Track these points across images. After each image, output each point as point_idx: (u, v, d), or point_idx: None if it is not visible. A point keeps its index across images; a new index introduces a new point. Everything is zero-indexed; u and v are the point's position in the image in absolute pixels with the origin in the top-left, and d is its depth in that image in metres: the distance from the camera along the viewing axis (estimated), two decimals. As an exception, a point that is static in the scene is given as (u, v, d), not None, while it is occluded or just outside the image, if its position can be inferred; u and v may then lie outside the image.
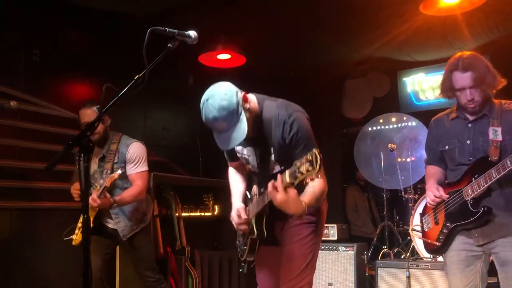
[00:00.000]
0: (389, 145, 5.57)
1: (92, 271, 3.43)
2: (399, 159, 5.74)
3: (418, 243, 4.39)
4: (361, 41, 5.36)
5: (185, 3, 4.35)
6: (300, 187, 2.14)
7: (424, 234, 2.78)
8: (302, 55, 5.74)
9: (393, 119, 6.52)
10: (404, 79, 6.50)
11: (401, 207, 6.09)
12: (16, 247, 4.13)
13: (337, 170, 6.82)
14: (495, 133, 2.48)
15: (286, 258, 2.39)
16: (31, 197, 4.29)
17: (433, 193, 2.62)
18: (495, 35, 5.13)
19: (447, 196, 2.60)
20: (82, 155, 1.82)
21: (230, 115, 2.15)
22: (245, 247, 2.46)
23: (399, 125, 6.45)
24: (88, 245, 1.84)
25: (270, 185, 2.03)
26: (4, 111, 4.04)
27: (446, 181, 2.70)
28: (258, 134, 2.34)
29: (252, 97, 2.35)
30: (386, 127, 6.57)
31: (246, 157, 2.48)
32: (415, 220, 4.38)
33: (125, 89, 1.97)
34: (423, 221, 2.81)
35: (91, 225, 3.41)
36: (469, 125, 2.57)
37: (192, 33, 2.18)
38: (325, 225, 4.72)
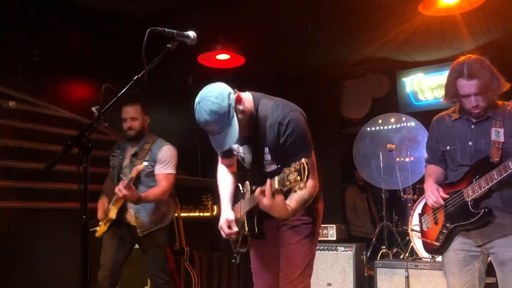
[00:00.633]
0: (388, 145, 5.57)
1: (104, 268, 3.50)
2: (398, 159, 5.74)
3: (417, 243, 4.40)
4: (361, 41, 5.36)
5: (184, 3, 4.35)
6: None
7: (423, 234, 2.78)
8: (301, 55, 5.74)
9: (392, 119, 6.52)
10: (403, 79, 6.50)
11: (400, 207, 6.09)
12: (16, 247, 4.13)
13: (336, 170, 6.82)
14: (497, 134, 2.48)
15: (285, 260, 2.39)
16: (30, 197, 4.29)
17: (434, 194, 2.62)
18: (494, 35, 5.13)
19: (447, 196, 2.60)
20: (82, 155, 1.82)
21: (222, 119, 2.15)
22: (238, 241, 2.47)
23: (398, 125, 6.45)
24: (87, 245, 1.84)
25: (258, 190, 2.06)
26: (3, 111, 4.04)
27: (446, 181, 2.70)
28: (254, 134, 2.34)
29: (247, 96, 2.34)
30: (385, 127, 6.57)
31: (242, 155, 2.48)
32: (414, 220, 4.39)
33: (125, 90, 1.97)
34: (422, 220, 2.81)
35: (114, 216, 3.53)
36: (472, 126, 2.57)
37: (191, 34, 2.19)
38: (324, 225, 4.76)
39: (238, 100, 2.23)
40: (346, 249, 4.52)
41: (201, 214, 5.55)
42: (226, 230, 2.46)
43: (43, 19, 4.41)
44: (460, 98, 2.52)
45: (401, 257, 4.91)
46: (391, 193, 5.96)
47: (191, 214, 5.45)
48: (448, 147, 2.64)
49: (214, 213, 5.58)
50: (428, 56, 5.91)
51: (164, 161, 3.62)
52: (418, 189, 5.17)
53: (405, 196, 5.26)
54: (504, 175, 2.34)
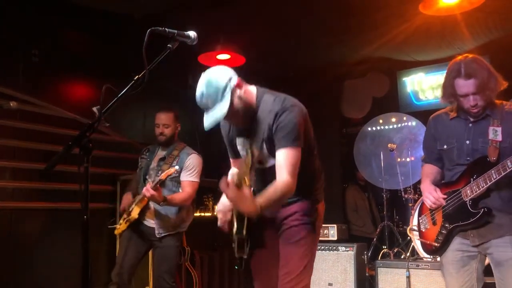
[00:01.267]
0: (389, 145, 5.56)
1: (119, 266, 3.58)
2: (399, 159, 5.73)
3: (418, 243, 4.39)
4: (361, 41, 5.36)
5: (184, 3, 4.35)
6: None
7: (422, 235, 2.77)
8: (302, 55, 5.74)
9: (393, 119, 6.52)
10: (404, 79, 6.50)
11: (401, 207, 6.09)
12: (16, 247, 4.13)
13: (337, 170, 6.82)
14: (495, 133, 2.46)
15: (284, 260, 2.37)
16: (30, 197, 4.29)
17: (432, 195, 2.61)
18: (494, 35, 5.13)
19: (445, 197, 2.59)
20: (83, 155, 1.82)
21: (215, 93, 2.21)
22: (234, 245, 2.43)
23: (399, 125, 6.45)
24: (88, 245, 1.83)
25: (222, 181, 2.05)
26: (3, 112, 4.04)
27: (443, 181, 2.69)
28: (252, 126, 2.35)
29: (251, 88, 2.38)
30: (386, 127, 6.57)
31: (241, 151, 2.48)
32: (415, 220, 4.38)
33: (125, 90, 1.97)
34: (420, 221, 2.79)
35: (137, 216, 3.64)
36: (470, 125, 2.56)
37: (192, 33, 2.19)
38: (325, 225, 4.76)
39: (239, 85, 2.28)
40: (347, 249, 4.52)
41: (202, 214, 5.54)
42: (221, 215, 2.49)
43: (43, 19, 4.40)
44: (458, 98, 2.51)
45: (402, 257, 4.91)
46: (392, 193, 5.96)
47: (191, 214, 5.43)
48: (445, 146, 2.62)
49: (215, 213, 5.55)
50: (428, 55, 5.91)
51: (191, 169, 3.75)
52: (419, 189, 5.15)
53: (406, 196, 5.25)
54: (503, 174, 2.34)
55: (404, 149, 5.88)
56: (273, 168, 2.27)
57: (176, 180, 3.74)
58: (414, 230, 3.87)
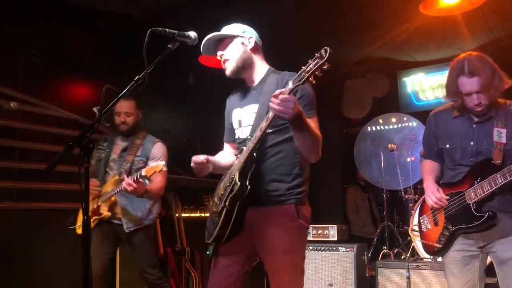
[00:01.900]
0: (389, 145, 5.56)
1: (92, 272, 3.42)
2: (399, 159, 5.73)
3: (418, 244, 4.38)
4: (361, 41, 5.36)
5: (184, 3, 4.35)
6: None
7: (423, 235, 2.75)
8: (302, 55, 5.73)
9: (393, 119, 6.52)
10: (404, 79, 6.51)
11: (401, 207, 6.09)
12: (16, 247, 4.12)
13: (337, 170, 6.82)
14: (500, 135, 2.42)
15: (275, 269, 2.24)
16: (31, 197, 4.29)
17: (435, 195, 2.58)
18: (495, 35, 5.13)
19: (448, 197, 2.56)
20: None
21: (232, 27, 2.41)
22: (217, 224, 2.27)
23: (399, 125, 6.45)
24: (88, 245, 1.84)
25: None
26: (3, 112, 4.04)
27: (445, 181, 2.66)
28: (256, 95, 2.40)
29: (263, 61, 2.54)
30: (386, 127, 6.57)
31: (242, 119, 2.44)
32: (415, 220, 4.37)
33: (125, 90, 1.97)
34: (421, 221, 2.77)
35: (109, 213, 3.48)
36: (474, 126, 2.51)
37: (192, 34, 2.20)
38: (325, 225, 4.76)
39: (255, 47, 2.47)
40: (347, 249, 4.51)
41: (202, 214, 5.54)
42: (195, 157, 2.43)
43: (43, 19, 4.40)
44: (462, 96, 2.45)
45: (402, 257, 4.91)
46: (392, 193, 5.96)
47: (192, 215, 5.44)
48: (447, 145, 2.58)
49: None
50: (428, 56, 5.92)
51: (159, 158, 3.58)
52: (419, 189, 5.16)
53: (406, 196, 5.25)
54: (509, 179, 2.30)
55: (404, 149, 5.88)
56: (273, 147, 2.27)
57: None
58: (415, 230, 3.86)
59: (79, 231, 3.59)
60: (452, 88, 2.48)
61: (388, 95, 6.62)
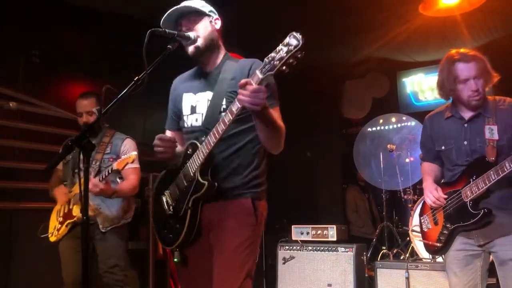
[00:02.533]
0: (389, 146, 5.56)
1: (68, 281, 3.33)
2: (398, 160, 5.73)
3: (417, 244, 4.39)
4: (361, 41, 5.37)
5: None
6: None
7: (424, 235, 2.77)
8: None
9: (393, 120, 6.52)
10: (404, 79, 6.51)
11: (400, 208, 6.09)
12: (16, 247, 4.13)
13: (337, 170, 6.82)
14: (491, 132, 2.46)
15: (221, 268, 2.06)
16: (31, 198, 4.29)
17: (433, 194, 2.61)
18: (494, 36, 5.14)
19: (446, 196, 2.59)
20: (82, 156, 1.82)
21: (197, 6, 2.26)
22: (182, 229, 2.12)
23: (399, 125, 6.45)
24: (88, 245, 1.84)
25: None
26: (3, 112, 4.04)
27: (443, 181, 2.70)
28: (210, 80, 2.32)
29: (222, 47, 2.39)
30: (386, 127, 6.57)
31: (196, 105, 2.34)
32: (415, 221, 4.38)
33: (125, 91, 1.97)
34: (422, 221, 2.80)
35: (80, 215, 3.29)
36: (465, 125, 2.55)
37: (192, 34, 2.21)
38: (325, 225, 4.75)
39: (219, 31, 2.35)
40: (346, 249, 4.52)
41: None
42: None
43: (43, 19, 4.41)
44: (458, 86, 2.48)
45: (402, 257, 4.91)
46: (391, 193, 5.96)
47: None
48: (443, 147, 2.62)
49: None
50: (428, 56, 5.92)
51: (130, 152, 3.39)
52: (418, 189, 5.16)
53: (405, 197, 5.25)
54: (502, 175, 2.34)
55: (403, 149, 5.87)
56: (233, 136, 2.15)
57: (118, 172, 3.28)
58: (415, 231, 3.87)
59: (52, 238, 3.46)
60: (450, 76, 2.50)
61: (387, 96, 6.63)
